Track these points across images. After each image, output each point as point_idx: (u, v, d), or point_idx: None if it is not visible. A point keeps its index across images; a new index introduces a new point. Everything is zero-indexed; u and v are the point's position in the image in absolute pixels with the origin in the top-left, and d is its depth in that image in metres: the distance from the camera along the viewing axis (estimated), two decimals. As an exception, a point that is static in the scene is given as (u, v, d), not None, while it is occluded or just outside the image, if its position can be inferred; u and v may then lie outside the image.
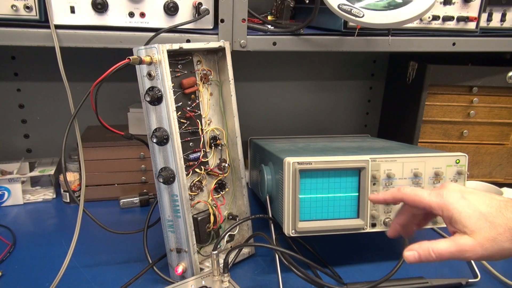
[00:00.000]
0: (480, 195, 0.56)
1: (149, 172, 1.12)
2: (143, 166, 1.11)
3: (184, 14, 0.86)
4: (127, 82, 1.18)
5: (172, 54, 0.76)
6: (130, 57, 0.69)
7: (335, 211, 0.78)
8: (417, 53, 1.02)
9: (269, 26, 0.94)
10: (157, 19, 0.85)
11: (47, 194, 1.12)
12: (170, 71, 0.73)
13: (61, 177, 1.08)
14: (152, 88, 0.73)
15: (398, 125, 1.28)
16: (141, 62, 0.70)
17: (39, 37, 0.81)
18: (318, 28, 0.99)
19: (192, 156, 0.81)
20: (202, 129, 0.82)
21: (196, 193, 0.82)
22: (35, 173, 1.12)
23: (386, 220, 0.80)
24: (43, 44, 0.82)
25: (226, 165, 0.85)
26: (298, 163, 0.75)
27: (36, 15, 0.81)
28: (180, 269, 0.76)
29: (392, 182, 0.80)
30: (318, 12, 0.85)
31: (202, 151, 0.82)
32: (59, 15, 0.81)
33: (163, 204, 0.77)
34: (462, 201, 0.55)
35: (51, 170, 1.13)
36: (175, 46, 0.74)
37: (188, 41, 0.86)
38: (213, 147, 0.84)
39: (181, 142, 0.75)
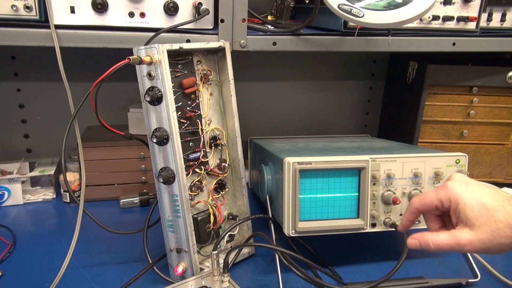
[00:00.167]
0: (485, 187, 0.57)
1: (149, 172, 1.12)
2: (143, 166, 1.11)
3: (184, 14, 0.86)
4: (127, 82, 1.18)
5: (172, 54, 0.76)
6: (130, 57, 0.69)
7: (335, 211, 0.78)
8: (417, 53, 1.02)
9: (269, 26, 0.94)
10: (157, 19, 0.85)
11: (47, 194, 1.12)
12: (170, 71, 0.73)
13: (61, 177, 1.08)
14: (152, 88, 0.73)
15: (398, 125, 1.28)
16: (141, 62, 0.70)
17: (39, 37, 0.81)
18: (318, 28, 0.99)
19: (192, 156, 0.81)
20: (202, 129, 0.82)
21: (196, 193, 0.82)
22: (35, 173, 1.12)
23: (386, 220, 0.80)
24: (43, 44, 0.82)
25: (226, 165, 0.85)
26: (298, 163, 0.75)
27: (36, 15, 0.81)
28: (180, 269, 0.76)
29: (392, 182, 0.80)
30: (318, 12, 0.85)
31: (202, 151, 0.83)
32: (59, 15, 0.81)
33: (163, 204, 0.77)
34: (467, 192, 0.56)
35: (51, 170, 1.13)
36: (175, 46, 0.74)
37: (188, 41, 0.86)
38: (213, 147, 0.84)
39: (181, 142, 0.75)
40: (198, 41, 0.86)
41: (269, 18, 1.06)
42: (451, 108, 1.13)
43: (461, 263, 0.84)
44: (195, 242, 0.77)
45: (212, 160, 0.85)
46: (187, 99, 0.80)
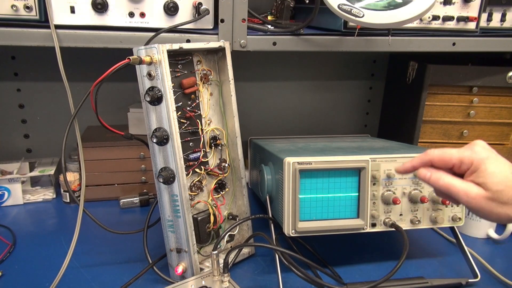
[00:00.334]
0: (505, 160, 0.59)
1: (149, 172, 1.12)
2: (143, 166, 1.11)
3: (184, 14, 0.86)
4: (127, 82, 1.18)
5: (172, 54, 0.76)
6: (130, 57, 0.69)
7: (335, 211, 0.78)
8: (417, 53, 1.02)
9: (269, 26, 0.94)
10: (157, 19, 0.85)
11: (47, 194, 1.12)
12: (170, 71, 0.73)
13: (61, 177, 1.08)
14: (152, 88, 0.73)
15: (398, 125, 1.28)
16: (141, 62, 0.70)
17: (39, 37, 0.81)
18: (318, 28, 0.99)
19: (192, 156, 0.81)
20: (202, 129, 0.82)
21: (196, 193, 0.82)
22: (35, 173, 1.12)
23: (386, 220, 0.80)
24: (43, 44, 0.82)
25: (226, 165, 0.85)
26: (298, 163, 0.75)
27: (36, 15, 0.81)
28: (180, 269, 0.76)
29: (392, 182, 0.80)
30: (318, 12, 0.85)
31: (202, 151, 0.83)
32: (59, 15, 0.81)
33: (163, 204, 0.77)
34: (492, 159, 0.58)
35: (51, 170, 1.13)
36: (175, 46, 0.74)
37: (188, 41, 0.86)
38: (213, 147, 0.84)
39: (181, 142, 0.75)
40: (198, 41, 0.86)
41: (269, 18, 1.06)
42: (451, 108, 1.13)
43: (461, 263, 0.84)
44: (195, 242, 0.77)
45: (212, 160, 0.85)
46: (187, 99, 0.80)
